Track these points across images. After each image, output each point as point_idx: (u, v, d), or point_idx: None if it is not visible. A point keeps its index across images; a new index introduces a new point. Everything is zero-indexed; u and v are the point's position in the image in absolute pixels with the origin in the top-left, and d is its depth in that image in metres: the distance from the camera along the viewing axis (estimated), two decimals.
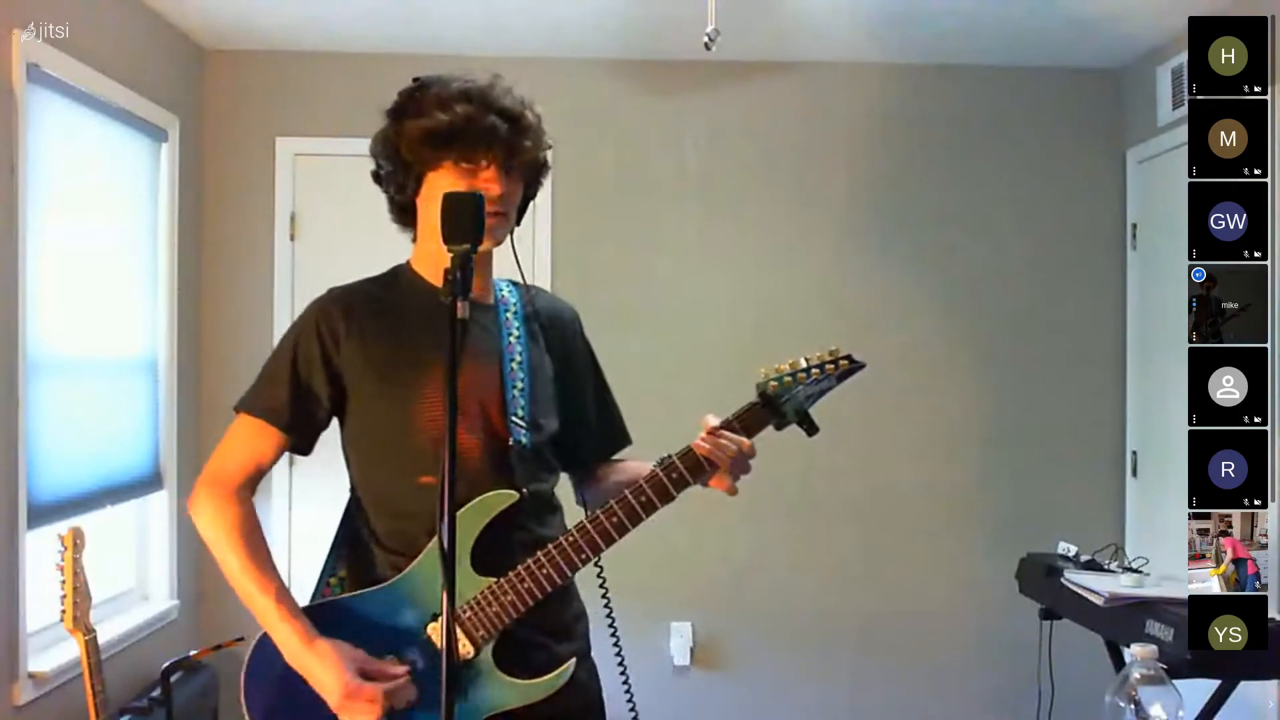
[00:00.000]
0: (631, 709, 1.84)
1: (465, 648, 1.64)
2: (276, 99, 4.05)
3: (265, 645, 1.67)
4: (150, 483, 3.58)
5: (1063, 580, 2.88)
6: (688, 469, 1.67)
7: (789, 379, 1.66)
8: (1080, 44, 3.88)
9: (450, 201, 1.43)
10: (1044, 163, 4.15)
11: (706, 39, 2.84)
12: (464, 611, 1.64)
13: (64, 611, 2.44)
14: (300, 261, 4.04)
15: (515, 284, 1.83)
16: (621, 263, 4.09)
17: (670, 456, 1.68)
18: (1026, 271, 4.14)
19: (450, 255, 1.39)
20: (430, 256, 1.75)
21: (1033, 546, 3.23)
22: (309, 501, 3.98)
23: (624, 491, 1.66)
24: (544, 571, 1.65)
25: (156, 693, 3.21)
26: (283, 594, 1.66)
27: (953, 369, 4.12)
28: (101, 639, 2.55)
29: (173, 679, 3.18)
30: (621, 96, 4.09)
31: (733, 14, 3.14)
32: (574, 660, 1.69)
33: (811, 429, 1.69)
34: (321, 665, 1.61)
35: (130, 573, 3.63)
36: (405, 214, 1.77)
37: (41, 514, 2.88)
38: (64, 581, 2.43)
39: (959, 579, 4.08)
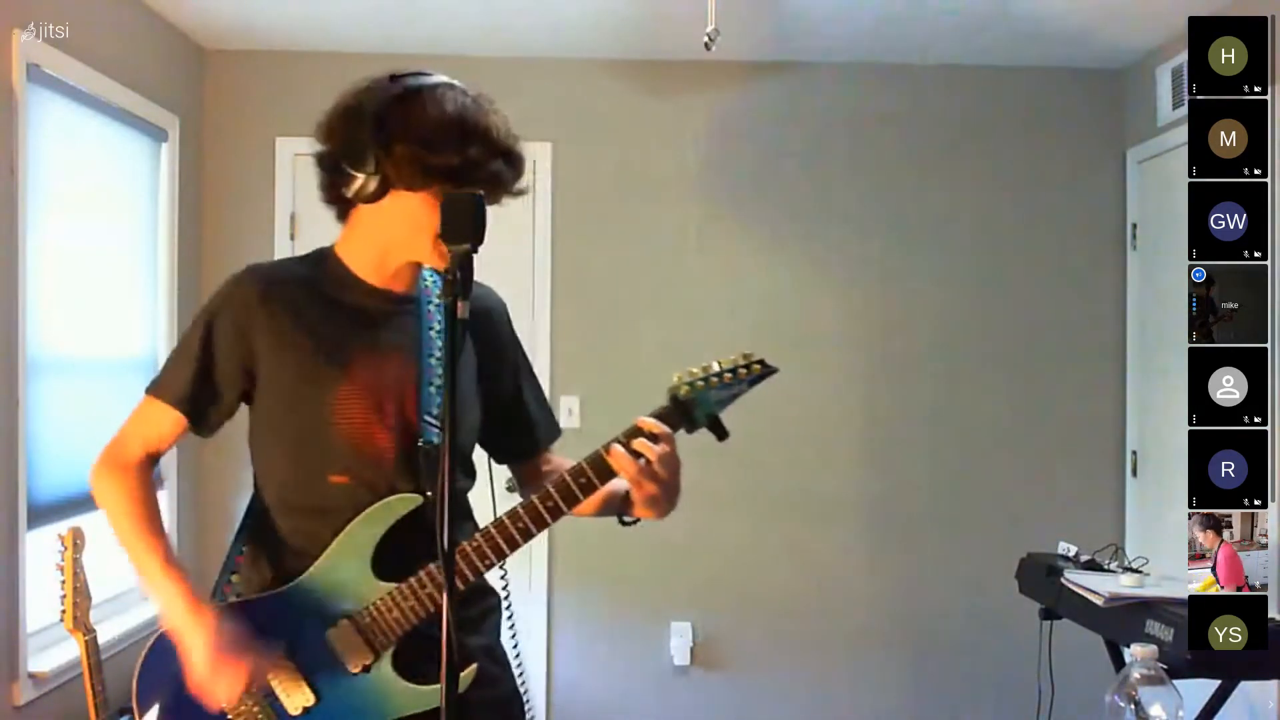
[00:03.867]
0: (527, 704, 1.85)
1: (365, 657, 1.60)
2: (276, 99, 4.05)
3: (164, 637, 1.66)
4: None
5: (1063, 580, 2.87)
6: (596, 474, 1.61)
7: (700, 383, 1.62)
8: (1080, 44, 3.88)
9: (451, 202, 1.43)
10: (1044, 163, 4.15)
11: (706, 39, 2.84)
12: (363, 618, 1.60)
13: (64, 611, 2.43)
14: None
15: (440, 273, 1.71)
16: (621, 262, 4.09)
17: (581, 463, 1.63)
18: (1026, 271, 4.14)
19: (450, 255, 1.38)
20: (363, 252, 1.68)
21: (1033, 546, 3.23)
22: None
23: (531, 496, 1.62)
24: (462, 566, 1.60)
25: None
26: (170, 558, 1.66)
27: (953, 369, 4.12)
28: (101, 639, 2.55)
29: None
30: (621, 96, 4.09)
31: (733, 14, 3.14)
32: (475, 667, 1.61)
33: (722, 434, 1.64)
34: (197, 628, 1.58)
35: (130, 573, 3.62)
36: (346, 204, 1.67)
37: (41, 514, 2.88)
38: (64, 581, 2.43)
39: (959, 579, 4.08)
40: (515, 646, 1.84)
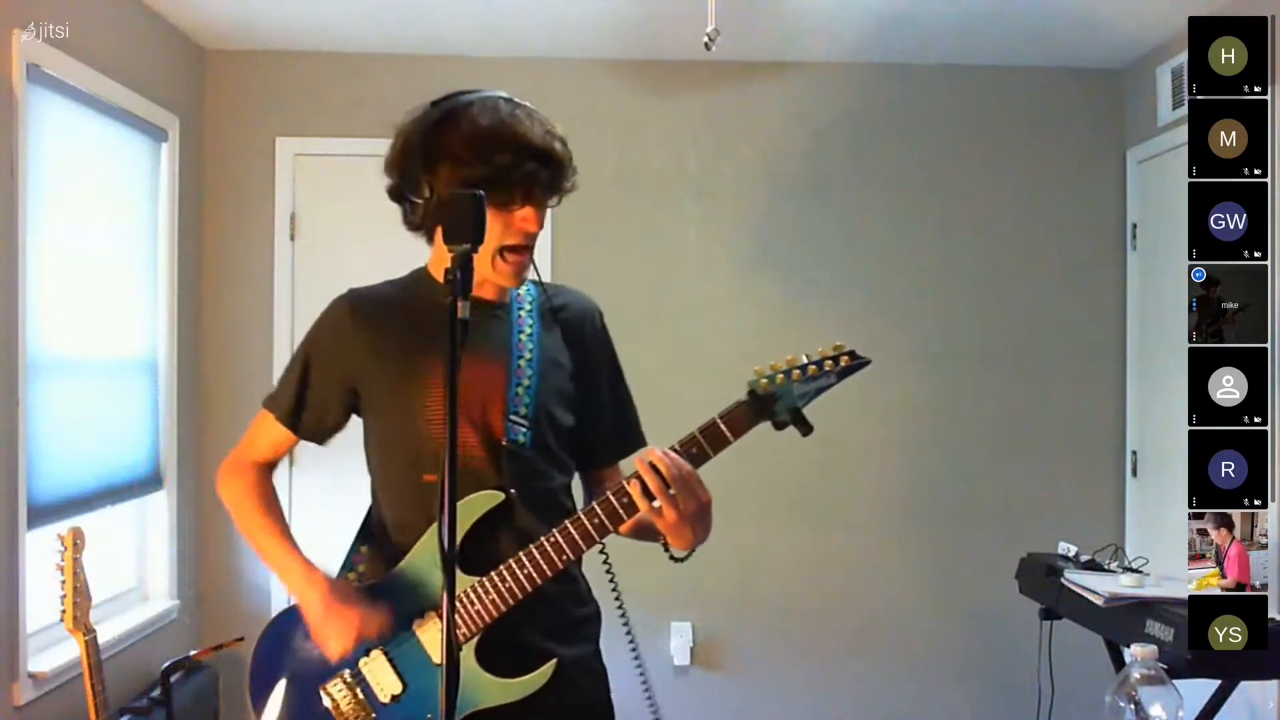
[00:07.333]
0: (651, 707, 1.91)
1: None
2: (276, 99, 4.05)
3: (275, 621, 1.81)
4: (150, 482, 3.58)
5: (1063, 580, 2.88)
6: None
7: (781, 376, 1.59)
8: (1080, 44, 3.88)
9: (451, 201, 1.44)
10: (1044, 163, 4.15)
11: (706, 39, 2.84)
12: None
13: (64, 611, 2.44)
14: (300, 261, 4.04)
15: (534, 282, 1.84)
16: (621, 262, 4.09)
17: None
18: (1026, 271, 4.14)
19: (451, 255, 1.39)
20: (444, 263, 1.75)
21: (1033, 546, 3.23)
22: (309, 503, 3.98)
23: (607, 491, 1.65)
24: (524, 571, 1.64)
25: (156, 693, 3.21)
26: (286, 533, 1.81)
27: (953, 369, 4.12)
28: (101, 639, 2.55)
29: (173, 679, 3.18)
30: (621, 96, 4.09)
31: (733, 14, 3.14)
32: (554, 662, 1.68)
33: (806, 429, 1.60)
34: (311, 586, 1.72)
35: (130, 573, 3.63)
36: (421, 226, 1.78)
37: (41, 514, 2.88)
38: (64, 581, 2.43)
39: (959, 579, 4.08)
40: (635, 653, 1.88)
